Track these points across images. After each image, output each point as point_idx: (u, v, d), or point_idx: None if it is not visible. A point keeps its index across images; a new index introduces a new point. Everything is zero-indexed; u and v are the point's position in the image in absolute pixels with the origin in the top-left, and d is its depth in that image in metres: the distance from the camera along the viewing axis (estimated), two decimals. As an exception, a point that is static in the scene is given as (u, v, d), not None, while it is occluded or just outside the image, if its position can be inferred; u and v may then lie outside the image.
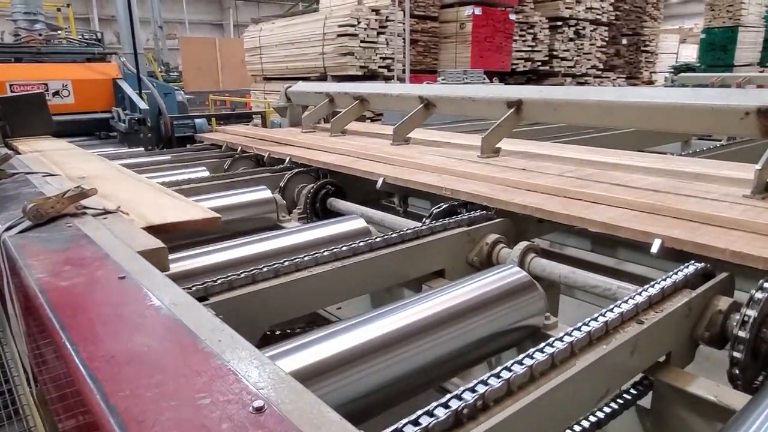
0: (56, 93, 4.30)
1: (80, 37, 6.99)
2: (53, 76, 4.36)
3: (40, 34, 5.31)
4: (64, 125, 4.06)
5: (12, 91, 4.05)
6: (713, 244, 1.29)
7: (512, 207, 1.73)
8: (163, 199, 1.78)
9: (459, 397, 0.77)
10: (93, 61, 4.97)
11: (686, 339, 1.20)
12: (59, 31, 6.50)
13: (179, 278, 1.20)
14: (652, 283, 1.15)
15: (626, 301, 1.06)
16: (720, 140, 3.87)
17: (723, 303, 1.20)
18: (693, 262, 1.27)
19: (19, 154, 2.73)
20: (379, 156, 2.54)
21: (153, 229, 1.40)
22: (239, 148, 3.18)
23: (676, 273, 1.20)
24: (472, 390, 0.79)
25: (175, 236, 1.79)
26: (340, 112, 3.73)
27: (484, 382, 0.81)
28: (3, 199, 1.79)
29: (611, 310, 1.03)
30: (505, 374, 0.82)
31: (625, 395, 1.10)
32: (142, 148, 3.86)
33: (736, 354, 1.07)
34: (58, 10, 11.29)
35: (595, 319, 1.00)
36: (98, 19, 25.64)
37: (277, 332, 1.63)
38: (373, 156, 2.57)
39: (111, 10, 23.57)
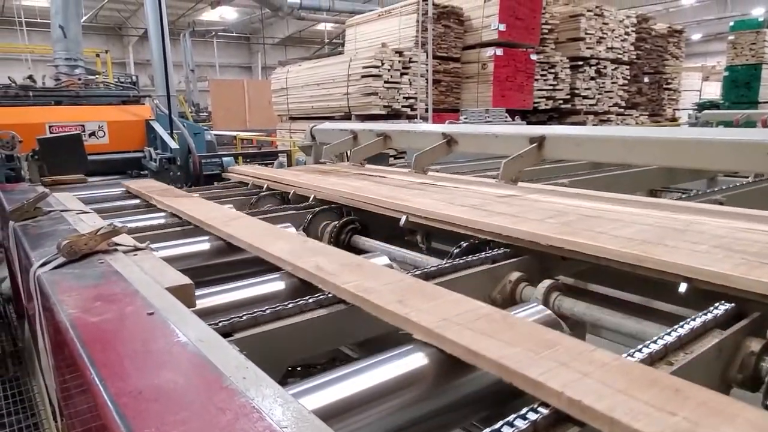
0: (92, 134, 4.49)
1: (116, 80, 7.31)
2: (90, 117, 4.57)
3: (80, 79, 5.59)
4: (99, 164, 4.22)
5: (51, 132, 4.24)
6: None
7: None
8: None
9: (483, 439, 0.76)
10: (128, 103, 5.20)
11: (718, 382, 1.17)
12: (97, 76, 6.82)
13: (205, 314, 1.22)
14: (681, 323, 1.13)
15: (655, 341, 1.04)
16: (747, 177, 3.81)
17: (755, 344, 1.17)
18: (723, 302, 1.24)
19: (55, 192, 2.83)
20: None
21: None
22: (265, 185, 3.25)
23: (705, 313, 1.18)
24: (497, 432, 0.77)
25: (203, 273, 1.84)
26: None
27: (510, 424, 0.80)
28: (39, 236, 1.85)
29: (640, 351, 1.01)
30: (532, 416, 0.80)
31: (656, 440, 1.06)
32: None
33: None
34: (97, 55, 11.88)
35: (623, 360, 0.97)
36: (134, 63, 26.85)
37: (299, 368, 1.63)
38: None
39: (146, 54, 24.69)
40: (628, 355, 0.99)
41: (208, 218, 2.16)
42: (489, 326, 1.05)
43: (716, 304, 1.23)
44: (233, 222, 2.09)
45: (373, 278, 1.36)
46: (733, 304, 1.22)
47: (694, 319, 1.14)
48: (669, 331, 1.09)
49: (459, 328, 1.04)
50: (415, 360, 1.04)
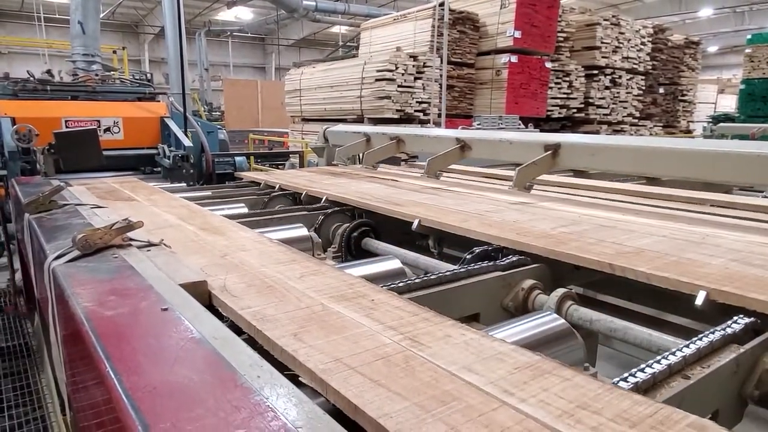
0: (107, 129, 4.53)
1: (132, 77, 7.37)
2: (105, 113, 4.61)
3: (96, 74, 5.64)
4: (113, 160, 4.24)
5: (67, 127, 4.28)
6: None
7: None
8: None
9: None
10: (143, 100, 5.24)
11: (734, 397, 1.15)
12: (113, 72, 6.88)
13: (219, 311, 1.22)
14: (699, 336, 1.11)
15: (674, 353, 1.02)
16: (763, 191, 3.76)
17: (774, 361, 1.15)
18: (741, 316, 1.22)
19: (70, 186, 2.85)
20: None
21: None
22: (277, 185, 3.26)
23: (724, 328, 1.16)
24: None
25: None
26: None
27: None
28: (54, 228, 1.86)
29: (658, 362, 0.99)
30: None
31: (670, 455, 1.04)
32: (184, 184, 3.99)
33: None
34: (114, 52, 12.01)
35: (642, 371, 0.96)
36: (148, 60, 27.10)
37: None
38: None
39: (160, 52, 24.93)
40: (647, 365, 0.98)
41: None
42: (386, 370, 0.88)
43: (735, 318, 1.21)
44: (159, 231, 1.89)
45: (277, 303, 1.20)
46: (752, 319, 1.21)
47: (713, 333, 1.13)
48: (687, 343, 1.08)
49: (348, 373, 0.87)
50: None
